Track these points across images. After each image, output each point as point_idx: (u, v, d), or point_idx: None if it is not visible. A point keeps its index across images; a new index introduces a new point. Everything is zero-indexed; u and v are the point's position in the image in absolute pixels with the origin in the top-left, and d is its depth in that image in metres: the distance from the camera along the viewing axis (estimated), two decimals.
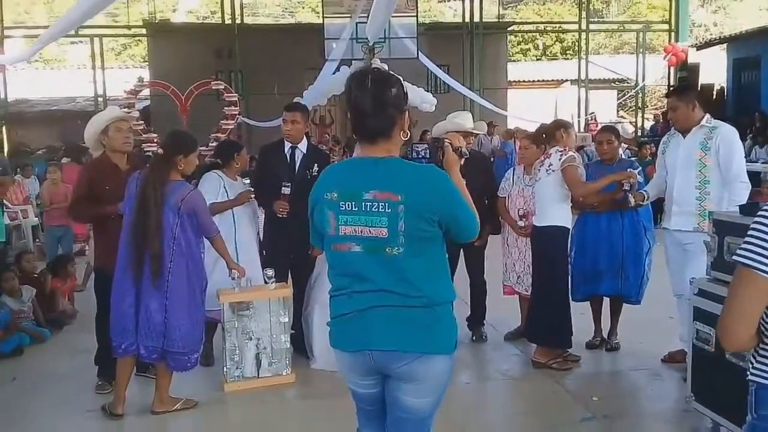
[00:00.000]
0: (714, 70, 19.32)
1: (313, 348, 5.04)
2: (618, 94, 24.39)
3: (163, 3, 29.05)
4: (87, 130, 4.72)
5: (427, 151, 2.54)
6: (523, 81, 24.97)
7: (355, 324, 2.37)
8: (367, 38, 13.15)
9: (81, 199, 4.66)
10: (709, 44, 20.07)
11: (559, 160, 4.83)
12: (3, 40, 17.84)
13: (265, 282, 4.84)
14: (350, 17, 14.13)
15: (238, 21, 19.06)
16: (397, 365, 2.33)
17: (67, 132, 17.40)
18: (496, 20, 22.77)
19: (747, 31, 18.40)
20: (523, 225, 5.35)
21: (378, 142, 2.37)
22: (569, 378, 4.83)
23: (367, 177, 2.34)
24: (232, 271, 4.56)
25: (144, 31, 21.43)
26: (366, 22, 12.57)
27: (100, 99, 18.49)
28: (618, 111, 25.67)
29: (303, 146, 5.22)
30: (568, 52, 29.66)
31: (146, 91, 16.50)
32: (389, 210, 2.28)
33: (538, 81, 25.54)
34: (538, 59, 30.77)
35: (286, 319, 4.88)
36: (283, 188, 4.96)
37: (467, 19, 19.53)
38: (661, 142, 5.08)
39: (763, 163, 12.23)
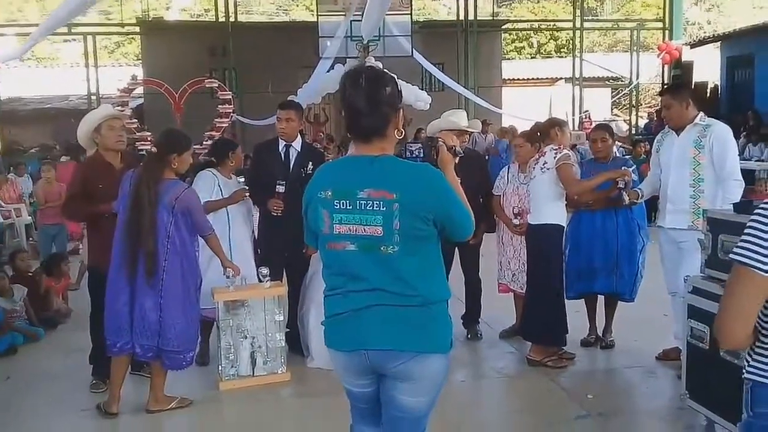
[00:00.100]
0: (708, 68, 19.37)
1: (310, 347, 5.03)
2: (612, 92, 24.42)
3: (157, 1, 28.91)
4: (80, 129, 4.70)
5: (421, 151, 2.54)
6: (518, 79, 24.98)
7: (351, 323, 2.36)
8: (361, 36, 13.14)
9: (74, 197, 4.65)
10: (702, 42, 20.11)
11: (554, 158, 4.84)
12: None
13: (260, 280, 4.83)
14: (344, 15, 14.12)
15: (231, 19, 19.00)
16: (393, 365, 2.33)
17: (60, 130, 17.36)
18: (491, 18, 22.77)
19: (740, 29, 18.45)
20: (518, 223, 5.35)
21: (372, 141, 2.37)
22: (564, 376, 4.84)
23: (361, 175, 2.33)
24: (227, 269, 4.55)
25: (137, 29, 21.33)
26: (360, 20, 12.55)
27: (94, 97, 18.40)
28: (612, 109, 25.71)
29: (297, 144, 5.21)
30: (562, 50, 29.70)
31: (140, 90, 16.43)
32: (384, 208, 2.28)
33: (533, 79, 25.54)
34: (532, 57, 30.78)
35: (281, 318, 4.87)
36: (277, 186, 4.95)
37: (461, 17, 19.54)
38: (655, 140, 5.09)
39: (756, 161, 12.26)
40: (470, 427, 4.20)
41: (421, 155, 2.53)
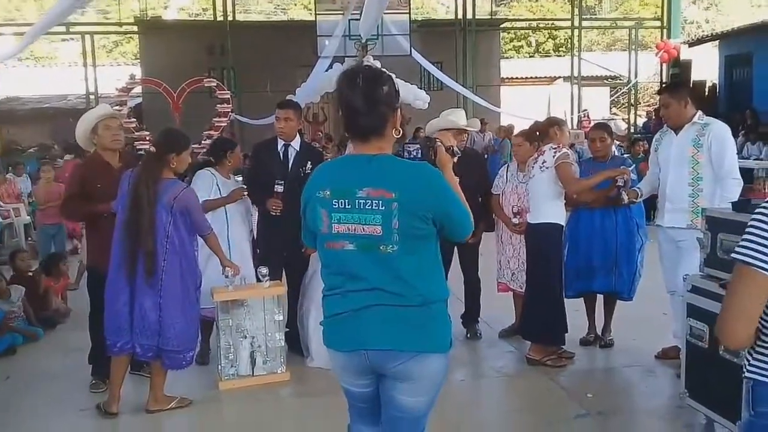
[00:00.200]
0: (706, 66, 19.38)
1: (310, 346, 5.03)
2: (610, 91, 24.42)
3: (155, 0, 28.92)
4: (77, 129, 4.70)
5: (419, 151, 2.54)
6: (516, 78, 24.98)
7: (350, 324, 2.36)
8: (359, 35, 13.14)
9: (73, 197, 4.64)
10: (701, 41, 20.13)
11: (553, 157, 4.84)
12: None
13: (259, 280, 4.83)
14: (343, 14, 14.13)
15: (230, 18, 19.01)
16: (392, 364, 2.33)
17: (58, 130, 17.34)
18: (489, 17, 22.81)
19: (739, 27, 18.46)
20: (517, 222, 5.35)
21: (371, 140, 2.36)
22: (563, 375, 4.84)
23: (360, 174, 2.33)
24: (226, 268, 4.55)
25: (135, 28, 21.33)
26: (359, 19, 12.55)
27: (92, 97, 18.40)
28: (611, 108, 25.72)
29: (296, 144, 5.21)
30: (560, 49, 29.73)
31: (138, 89, 16.44)
32: (383, 207, 2.27)
33: (531, 78, 25.55)
34: (530, 56, 30.80)
35: (281, 317, 4.87)
36: (276, 186, 4.95)
37: (460, 16, 19.55)
38: (654, 139, 5.08)
39: (755, 159, 12.27)
40: (469, 427, 4.20)
41: (419, 156, 2.53)
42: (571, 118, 18.16)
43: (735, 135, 6.85)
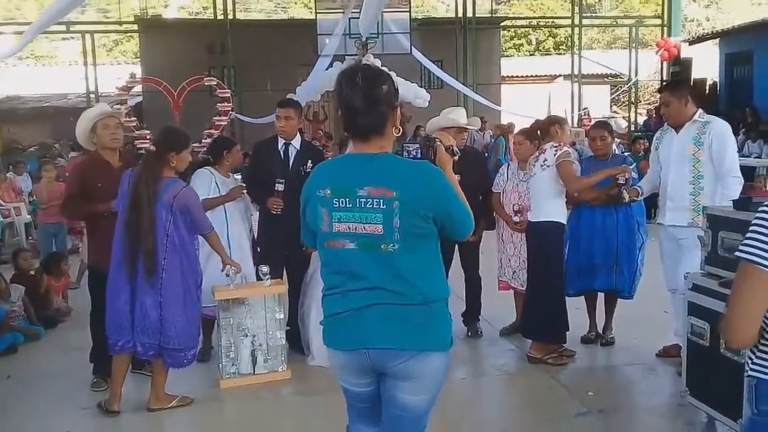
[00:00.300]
0: (706, 64, 19.38)
1: (311, 345, 5.03)
2: (611, 89, 24.42)
3: None
4: (77, 128, 4.70)
5: (419, 151, 2.53)
6: (517, 76, 24.98)
7: (351, 323, 2.36)
8: (360, 34, 13.13)
9: (73, 196, 4.64)
10: (701, 39, 20.13)
11: (554, 155, 4.83)
12: None
13: (260, 278, 4.83)
14: (343, 13, 14.11)
15: (230, 16, 19.01)
16: (394, 363, 2.33)
17: (59, 129, 17.35)
18: (489, 15, 22.81)
19: (739, 25, 18.46)
20: (518, 220, 5.35)
21: (371, 139, 2.36)
22: (564, 373, 4.84)
23: (361, 173, 2.33)
24: (227, 267, 4.55)
25: (136, 27, 21.33)
26: (359, 18, 12.54)
27: (92, 95, 18.41)
28: (611, 106, 25.71)
29: (297, 142, 5.21)
30: (561, 47, 29.72)
31: (138, 88, 16.44)
32: (384, 206, 2.27)
33: (532, 76, 25.54)
34: (531, 54, 30.80)
35: (282, 316, 4.87)
36: (276, 185, 4.95)
37: (460, 14, 19.55)
38: (655, 138, 5.08)
39: (756, 157, 12.27)
40: (470, 425, 4.20)
41: (419, 155, 2.53)
42: (572, 117, 18.14)
43: (735, 133, 6.85)
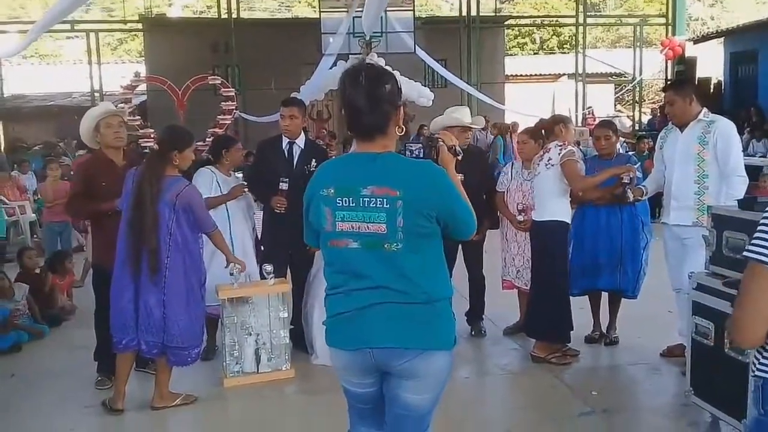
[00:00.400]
0: (711, 63, 19.35)
1: (314, 344, 5.03)
2: (615, 88, 24.36)
3: None
4: (81, 127, 4.72)
5: (421, 151, 2.54)
6: (521, 75, 24.94)
7: (355, 322, 2.35)
8: (363, 33, 13.12)
9: (77, 195, 4.66)
10: (706, 38, 20.09)
11: (559, 154, 4.83)
12: None
13: (264, 277, 4.84)
14: (347, 12, 14.10)
15: (234, 15, 19.00)
16: (398, 362, 2.33)
17: (63, 128, 17.38)
18: (493, 14, 22.77)
19: (744, 24, 18.42)
20: (522, 219, 5.35)
21: (374, 139, 2.36)
22: (568, 372, 4.83)
23: (364, 172, 2.33)
24: (231, 265, 4.55)
25: (140, 25, 21.34)
26: (362, 17, 12.55)
27: (97, 94, 18.43)
28: (615, 105, 25.64)
29: (301, 141, 5.21)
30: (565, 46, 29.66)
31: (143, 86, 16.47)
32: (388, 205, 2.27)
33: (536, 75, 25.49)
34: (535, 53, 30.75)
35: (286, 315, 4.88)
36: (280, 184, 4.95)
37: (464, 13, 19.52)
38: (659, 137, 5.07)
39: (760, 156, 12.23)
40: (474, 424, 4.20)
41: (421, 155, 2.53)
42: (576, 116, 18.12)
43: (740, 132, 6.84)
